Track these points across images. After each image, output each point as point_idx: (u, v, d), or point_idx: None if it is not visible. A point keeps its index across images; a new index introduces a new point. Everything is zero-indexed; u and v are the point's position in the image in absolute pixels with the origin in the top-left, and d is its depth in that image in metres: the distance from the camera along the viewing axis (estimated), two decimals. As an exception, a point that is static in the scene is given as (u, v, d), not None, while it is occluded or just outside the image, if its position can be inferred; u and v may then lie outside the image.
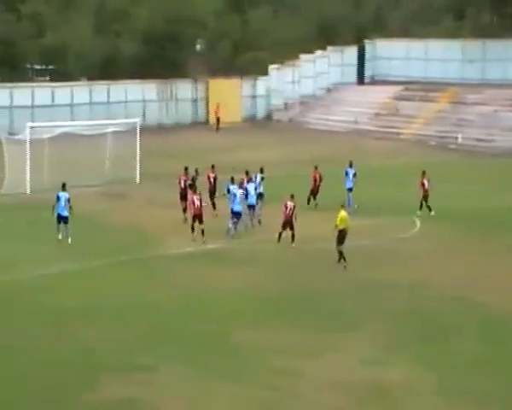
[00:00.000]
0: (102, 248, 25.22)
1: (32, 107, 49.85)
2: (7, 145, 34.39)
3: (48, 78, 57.04)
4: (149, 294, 21.06)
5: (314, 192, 30.94)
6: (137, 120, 37.58)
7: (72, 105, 51.61)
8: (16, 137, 35.66)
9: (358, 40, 63.07)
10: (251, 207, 27.34)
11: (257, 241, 26.22)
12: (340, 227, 23.31)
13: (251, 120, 58.62)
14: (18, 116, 47.10)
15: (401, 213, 30.16)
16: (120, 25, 57.54)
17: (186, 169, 29.33)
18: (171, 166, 30.41)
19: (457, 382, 16.29)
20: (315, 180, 31.02)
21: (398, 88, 58.45)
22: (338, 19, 64.16)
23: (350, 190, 30.73)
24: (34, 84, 53.26)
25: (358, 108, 56.84)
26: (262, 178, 29.32)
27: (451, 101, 54.85)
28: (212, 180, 29.74)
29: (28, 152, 33.20)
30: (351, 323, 19.25)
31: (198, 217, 25.69)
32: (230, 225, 26.47)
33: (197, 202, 25.78)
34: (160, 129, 53.08)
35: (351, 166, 31.42)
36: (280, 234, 25.58)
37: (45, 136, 33.79)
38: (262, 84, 59.78)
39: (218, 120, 55.07)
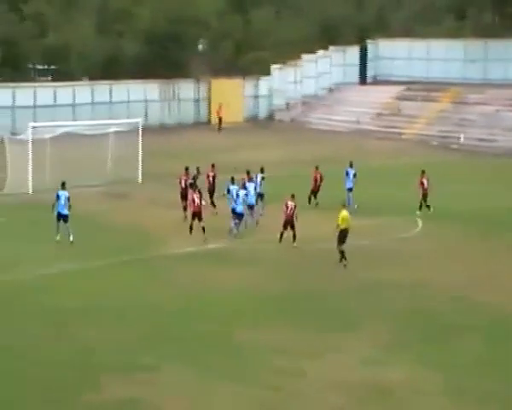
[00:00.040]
0: (104, 248, 25.25)
1: (34, 107, 49.91)
2: (9, 145, 34.42)
3: (50, 78, 57.09)
4: (151, 294, 21.08)
5: (315, 191, 31.01)
6: (139, 120, 37.62)
7: (74, 105, 51.67)
8: (18, 137, 35.71)
9: (360, 40, 63.08)
10: (250, 207, 27.34)
11: (258, 241, 26.24)
12: (342, 227, 23.34)
13: (253, 120, 58.65)
14: (20, 116, 47.17)
15: (403, 213, 30.17)
16: (122, 25, 57.60)
17: (187, 169, 29.45)
18: (173, 166, 30.45)
19: (459, 382, 16.30)
20: (315, 180, 31.09)
21: (400, 88, 58.45)
22: (340, 19, 64.19)
23: (350, 190, 30.75)
24: (36, 84, 53.33)
25: (360, 108, 56.85)
26: (262, 178, 29.39)
27: (453, 101, 54.85)
28: (211, 179, 29.96)
29: (30, 152, 33.24)
30: (352, 323, 19.26)
31: (197, 215, 25.79)
32: (233, 226, 26.50)
33: (197, 200, 25.92)
34: (162, 129, 53.13)
35: (351, 166, 31.45)
36: (281, 234, 25.61)
37: (47, 136, 33.82)
38: (264, 84, 59.82)
39: (220, 120, 55.11)
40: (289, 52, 58.81)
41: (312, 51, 60.90)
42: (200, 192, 26.42)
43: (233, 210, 26.64)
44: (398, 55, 61.23)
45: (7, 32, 54.25)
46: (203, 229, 25.64)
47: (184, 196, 28.05)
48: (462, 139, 49.89)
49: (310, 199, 30.89)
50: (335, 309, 20.27)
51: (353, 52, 62.80)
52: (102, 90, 53.12)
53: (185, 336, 18.24)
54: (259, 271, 23.14)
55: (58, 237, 25.47)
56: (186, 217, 27.53)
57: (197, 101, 57.33)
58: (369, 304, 20.61)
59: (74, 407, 15.09)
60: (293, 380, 16.16)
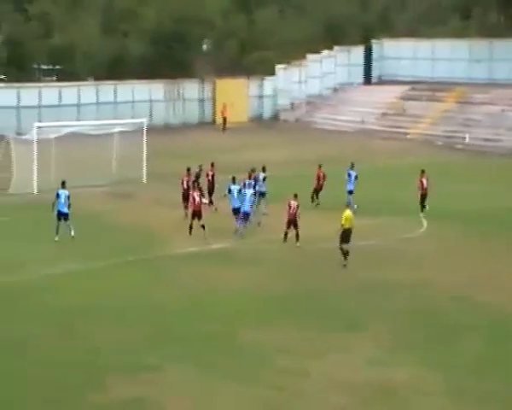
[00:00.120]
0: (109, 248, 25.30)
1: (39, 107, 50.01)
2: (14, 145, 34.51)
3: (55, 78, 57.19)
4: (155, 294, 21.12)
5: (317, 190, 31.07)
6: (144, 120, 37.67)
7: (79, 105, 51.76)
8: (23, 137, 35.79)
9: (365, 40, 63.05)
10: (237, 210, 26.93)
11: (261, 241, 26.26)
12: (346, 226, 23.40)
13: (257, 119, 58.67)
14: (25, 116, 47.27)
15: (408, 213, 30.14)
16: (128, 25, 57.69)
17: (188, 170, 29.62)
18: (177, 166, 30.49)
19: (462, 382, 16.29)
20: (318, 179, 31.18)
21: (405, 88, 58.41)
22: (345, 19, 64.17)
23: (350, 192, 30.48)
24: (41, 84, 53.43)
25: (365, 108, 56.81)
26: (264, 178, 29.53)
27: (458, 100, 54.77)
28: (210, 178, 30.27)
29: (35, 152, 33.31)
30: (355, 323, 19.26)
31: (197, 214, 25.89)
32: (239, 225, 26.53)
33: (197, 199, 26.03)
34: (167, 129, 53.18)
35: (352, 167, 31.43)
36: (286, 234, 25.65)
37: (52, 136, 33.89)
38: (269, 84, 59.83)
39: (224, 119, 55.14)
40: (294, 52, 58.80)
41: (317, 51, 60.89)
42: (200, 189, 26.61)
43: (234, 209, 26.74)
44: (403, 55, 61.18)
45: (12, 32, 54.44)
46: (203, 227, 25.77)
47: (186, 197, 28.13)
48: (467, 139, 49.81)
49: (312, 198, 30.95)
50: (339, 309, 20.28)
51: (358, 52, 62.77)
52: (107, 90, 53.21)
53: (189, 336, 18.27)
54: (262, 271, 23.17)
55: (57, 238, 25.56)
56: (186, 215, 27.65)
57: (202, 101, 57.38)
58: (372, 304, 20.61)
59: (79, 407, 15.13)
60: (296, 380, 16.17)
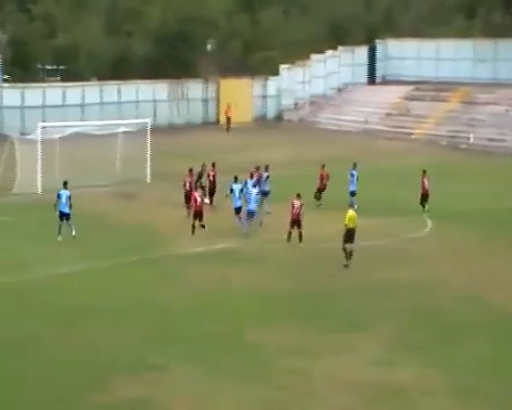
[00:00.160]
0: (113, 247, 25.31)
1: (44, 107, 50.06)
2: (18, 145, 34.54)
3: (59, 78, 57.25)
4: (159, 293, 21.12)
5: (321, 190, 31.09)
6: (148, 120, 37.66)
7: (83, 105, 51.80)
8: (28, 137, 35.80)
9: (369, 40, 62.99)
10: (239, 209, 27.10)
11: (265, 241, 26.25)
12: (349, 226, 23.40)
13: (261, 119, 58.66)
14: (29, 116, 47.31)
15: (412, 213, 30.10)
16: (132, 25, 57.73)
17: (191, 170, 29.66)
18: (181, 167, 30.47)
19: (466, 382, 16.26)
20: (321, 178, 31.20)
21: (409, 88, 58.34)
22: (349, 19, 64.12)
23: (353, 194, 30.39)
24: (45, 84, 53.48)
25: (369, 108, 56.76)
26: (267, 177, 29.73)
27: (463, 100, 54.69)
28: (211, 178, 30.40)
29: (39, 152, 33.34)
30: (360, 323, 19.24)
31: (199, 213, 26.01)
32: (243, 224, 26.55)
33: (199, 199, 26.18)
34: (171, 129, 53.19)
35: (355, 167, 31.39)
36: (289, 233, 25.64)
37: (56, 136, 33.89)
38: (273, 84, 59.81)
39: (228, 119, 55.13)
40: (298, 52, 58.77)
41: (321, 51, 60.85)
42: (203, 188, 26.77)
43: (236, 209, 26.91)
44: (407, 55, 61.11)
45: (16, 33, 54.52)
46: (203, 226, 25.92)
47: (189, 198, 28.20)
48: (471, 139, 49.73)
49: (316, 196, 30.96)
50: (342, 309, 20.25)
51: (362, 52, 62.71)
52: (111, 90, 53.24)
53: (193, 336, 18.26)
54: (266, 271, 23.15)
55: (60, 238, 25.63)
56: (189, 215, 27.81)
57: (206, 101, 57.38)
58: (375, 304, 20.58)
59: (82, 408, 15.12)
60: (299, 380, 16.15)
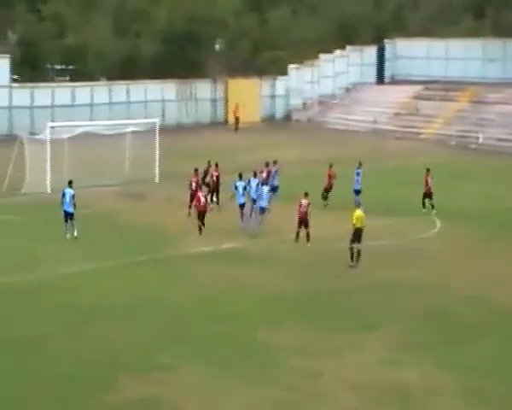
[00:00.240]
0: (121, 247, 25.35)
1: (53, 107, 50.18)
2: (28, 145, 34.64)
3: (68, 78, 57.40)
4: (168, 293, 21.14)
5: (327, 190, 31.14)
6: (157, 120, 37.71)
7: (91, 105, 51.89)
8: (37, 136, 35.91)
9: (378, 40, 62.87)
10: (241, 205, 27.72)
11: (273, 241, 26.24)
12: (357, 226, 23.39)
13: (270, 119, 58.63)
14: (38, 116, 47.45)
15: (421, 213, 30.05)
16: (140, 25, 57.81)
17: (196, 170, 29.79)
18: (190, 166, 30.48)
19: (476, 383, 16.21)
20: (329, 178, 31.26)
21: (419, 87, 58.19)
22: (357, 18, 64.01)
23: (358, 192, 30.52)
24: (54, 84, 53.59)
25: (378, 107, 56.66)
26: (276, 171, 30.71)
27: (472, 100, 54.51)
28: (214, 178, 30.73)
29: (48, 152, 33.42)
30: (368, 323, 19.20)
31: (203, 213, 26.33)
32: (252, 223, 26.86)
33: (202, 199, 26.44)
34: (179, 129, 53.23)
35: (360, 166, 31.51)
36: (297, 233, 25.64)
37: (65, 136, 33.98)
38: (281, 83, 59.77)
39: (237, 119, 55.13)
40: (306, 52, 58.70)
41: (329, 51, 60.77)
42: (208, 185, 26.96)
43: (240, 205, 27.44)
44: (416, 54, 60.96)
45: (26, 33, 54.70)
46: (203, 225, 26.29)
47: (194, 198, 28.38)
48: (480, 139, 49.55)
49: (323, 196, 31.01)
50: (351, 309, 20.22)
51: (371, 52, 62.60)
52: (120, 90, 53.33)
53: (201, 336, 18.27)
54: (275, 271, 23.14)
55: (68, 236, 25.80)
56: (190, 214, 28.23)
57: (214, 101, 57.40)
58: (385, 304, 20.54)
59: (92, 407, 15.16)
60: (308, 380, 16.14)
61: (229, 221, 27.97)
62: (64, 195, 25.91)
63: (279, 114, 59.91)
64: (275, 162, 31.58)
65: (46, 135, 34.04)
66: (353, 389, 15.85)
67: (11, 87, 50.08)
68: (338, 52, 61.44)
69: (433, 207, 30.06)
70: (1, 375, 16.09)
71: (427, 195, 30.15)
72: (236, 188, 27.79)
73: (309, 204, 25.49)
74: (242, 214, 27.60)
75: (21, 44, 54.52)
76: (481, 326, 19.20)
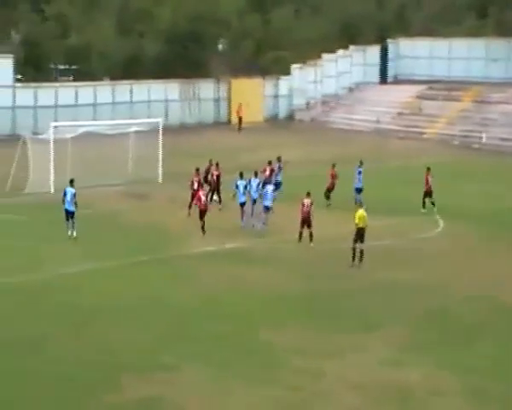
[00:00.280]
0: (124, 247, 25.39)
1: (56, 106, 50.23)
2: (31, 145, 34.68)
3: (71, 78, 57.47)
4: (170, 293, 21.17)
5: (330, 189, 31.19)
6: (160, 120, 37.72)
7: (95, 105, 51.94)
8: (40, 136, 35.94)
9: (381, 39, 62.83)
10: (242, 204, 27.89)
11: (276, 241, 26.26)
12: (359, 226, 23.41)
13: (273, 119, 58.63)
14: (42, 116, 47.50)
15: (424, 213, 30.04)
16: (143, 25, 57.85)
17: (197, 170, 29.89)
18: (193, 166, 30.52)
19: (479, 383, 16.23)
20: (332, 177, 31.33)
21: (422, 87, 58.15)
22: (360, 18, 63.98)
23: (359, 191, 30.66)
24: (58, 84, 53.66)
25: (381, 107, 56.63)
26: (279, 167, 31.22)
27: (475, 100, 54.46)
28: (215, 178, 30.94)
29: (52, 151, 33.47)
30: (371, 323, 19.22)
31: (204, 213, 26.40)
32: (261, 220, 27.01)
33: (203, 198, 26.60)
34: (183, 129, 53.26)
35: (361, 164, 31.62)
36: (300, 233, 25.67)
37: (68, 135, 34.00)
38: (284, 83, 59.77)
39: (240, 119, 55.15)
40: (309, 51, 58.69)
41: (332, 51, 60.76)
42: (210, 184, 26.96)
43: (241, 204, 27.66)
44: (420, 54, 60.92)
45: (29, 33, 54.78)
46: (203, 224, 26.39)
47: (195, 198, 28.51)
48: (483, 139, 49.51)
49: (326, 195, 31.05)
50: (353, 309, 20.24)
51: (374, 51, 62.57)
52: (123, 89, 53.37)
53: (204, 336, 18.30)
54: (278, 271, 23.16)
55: (69, 232, 25.95)
56: (189, 214, 28.40)
57: (217, 100, 57.42)
58: (386, 304, 20.56)
59: (94, 407, 15.19)
60: (311, 380, 16.17)
61: (232, 221, 28.01)
62: (65, 193, 26.03)
63: (282, 113, 59.91)
64: (279, 159, 32.02)
65: (49, 135, 34.08)
66: (356, 388, 15.88)
67: (14, 87, 50.14)
68: (341, 52, 61.42)
69: (433, 204, 30.08)
70: (1, 375, 16.13)
71: (428, 193, 30.20)
72: (237, 187, 28.00)
73: (311, 204, 25.54)
74: (243, 213, 27.76)
75: (25, 44, 54.60)
76: (482, 326, 19.21)
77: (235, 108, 56.13)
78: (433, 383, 16.17)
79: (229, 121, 57.08)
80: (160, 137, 36.40)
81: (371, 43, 62.43)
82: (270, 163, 31.51)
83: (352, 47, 61.72)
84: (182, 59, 54.76)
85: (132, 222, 28.63)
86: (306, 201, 25.59)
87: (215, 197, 30.79)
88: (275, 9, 64.00)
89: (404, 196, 33.08)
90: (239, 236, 26.63)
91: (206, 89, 56.74)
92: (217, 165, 31.37)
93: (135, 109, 51.75)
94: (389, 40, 62.96)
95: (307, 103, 60.29)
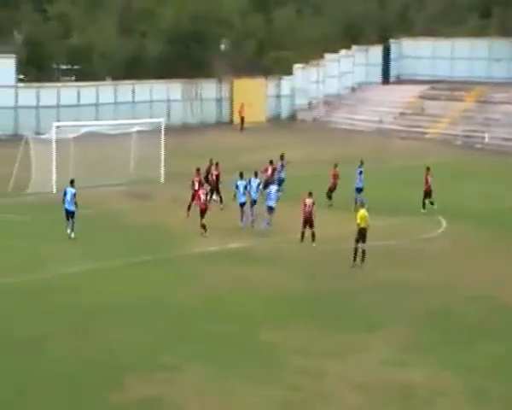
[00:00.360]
0: (126, 247, 25.38)
1: (58, 106, 50.26)
2: (33, 145, 34.70)
3: (73, 78, 57.49)
4: (173, 293, 21.15)
5: (332, 189, 31.17)
6: (162, 120, 37.71)
7: (97, 105, 51.95)
8: (42, 136, 35.97)
9: (383, 39, 62.80)
10: (243, 204, 27.90)
11: (278, 241, 26.24)
12: (361, 226, 23.38)
13: (275, 119, 58.61)
14: (44, 116, 47.53)
15: (427, 213, 30.02)
16: (145, 25, 57.85)
17: (198, 170, 29.88)
18: (195, 166, 30.52)
19: (481, 383, 16.19)
20: (334, 177, 31.32)
21: (424, 87, 58.10)
22: (363, 18, 63.96)
23: (359, 190, 30.64)
24: (60, 84, 53.68)
25: (383, 107, 56.59)
26: (282, 165, 31.70)
27: (478, 100, 54.39)
28: (214, 178, 31.01)
29: (54, 151, 33.47)
30: (374, 323, 19.19)
31: (204, 212, 26.40)
32: (266, 220, 27.03)
33: (203, 197, 26.60)
34: (185, 129, 53.26)
35: (362, 164, 31.61)
36: (302, 233, 25.64)
37: (71, 135, 34.02)
38: (286, 83, 59.74)
39: (242, 119, 55.14)
40: (312, 51, 58.68)
41: (335, 51, 60.74)
42: (210, 183, 26.97)
43: (241, 204, 27.69)
44: (422, 54, 60.87)
45: (32, 33, 54.81)
46: (202, 226, 26.31)
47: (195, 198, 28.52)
48: (486, 139, 49.44)
49: (327, 195, 31.04)
50: (356, 309, 20.20)
51: (376, 51, 62.54)
52: (125, 89, 53.38)
53: (206, 336, 18.28)
54: (280, 271, 23.14)
55: (68, 231, 25.91)
56: (188, 215, 28.42)
57: (219, 100, 57.41)
58: (389, 304, 20.52)
59: (96, 407, 15.17)
60: (313, 380, 16.14)
61: (234, 221, 27.98)
62: (65, 193, 26.07)
63: (284, 113, 59.88)
64: (282, 156, 32.38)
65: (52, 135, 34.09)
66: (358, 389, 15.84)
67: (17, 87, 50.17)
68: (343, 52, 61.39)
69: (432, 204, 30.06)
70: (1, 375, 16.11)
71: (427, 193, 30.17)
72: (237, 187, 28.00)
73: (313, 204, 25.51)
74: (242, 214, 27.73)
75: (27, 44, 54.64)
76: (483, 326, 19.17)
77: (238, 108, 56.12)
78: (435, 383, 16.14)
79: (231, 121, 57.07)
80: (162, 137, 36.39)
81: (374, 43, 62.39)
82: (271, 162, 31.59)
83: (354, 47, 61.69)
84: (184, 59, 54.76)
85: (134, 222, 28.62)
86: (308, 201, 25.57)
87: (214, 197, 30.77)
88: (277, 9, 63.99)
89: (406, 196, 33.03)
90: (241, 236, 26.61)
91: (209, 89, 56.73)
92: (216, 164, 31.40)
93: (137, 109, 51.75)
94: (392, 40, 62.91)
95: (309, 103, 60.26)
